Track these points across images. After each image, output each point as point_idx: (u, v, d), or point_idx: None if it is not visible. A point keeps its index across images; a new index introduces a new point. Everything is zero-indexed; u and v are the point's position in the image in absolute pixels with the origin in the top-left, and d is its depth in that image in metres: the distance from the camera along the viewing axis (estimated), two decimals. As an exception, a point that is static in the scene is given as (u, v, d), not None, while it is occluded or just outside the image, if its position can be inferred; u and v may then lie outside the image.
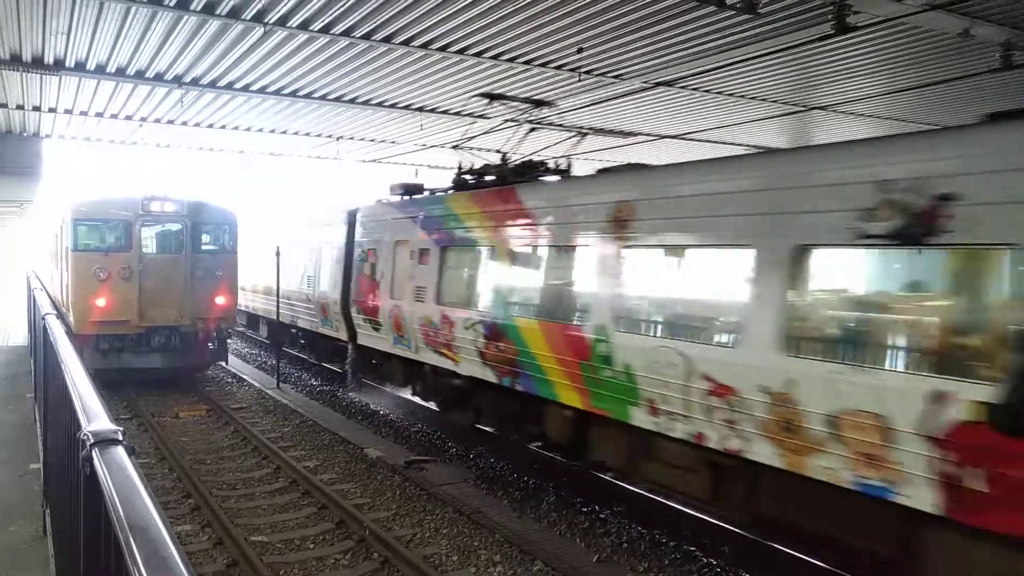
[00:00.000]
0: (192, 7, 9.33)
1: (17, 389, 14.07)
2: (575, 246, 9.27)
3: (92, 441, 2.25)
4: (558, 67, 11.96)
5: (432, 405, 13.34)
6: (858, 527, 6.36)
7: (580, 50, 11.02)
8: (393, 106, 14.84)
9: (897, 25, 9.62)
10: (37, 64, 11.87)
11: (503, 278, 10.51)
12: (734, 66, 11.66)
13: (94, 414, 2.67)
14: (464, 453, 12.25)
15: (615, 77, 12.53)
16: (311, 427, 13.86)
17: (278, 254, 18.07)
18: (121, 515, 1.76)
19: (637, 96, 13.81)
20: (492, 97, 13.83)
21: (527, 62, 11.71)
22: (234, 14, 9.59)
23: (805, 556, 7.69)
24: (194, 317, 16.80)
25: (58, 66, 12.01)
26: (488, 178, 12.35)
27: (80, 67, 12.11)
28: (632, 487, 9.96)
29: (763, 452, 6.76)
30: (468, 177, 12.63)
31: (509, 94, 13.83)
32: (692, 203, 7.57)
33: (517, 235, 10.25)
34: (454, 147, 15.51)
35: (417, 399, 14.11)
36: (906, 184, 5.75)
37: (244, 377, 18.75)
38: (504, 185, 11.24)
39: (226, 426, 14.11)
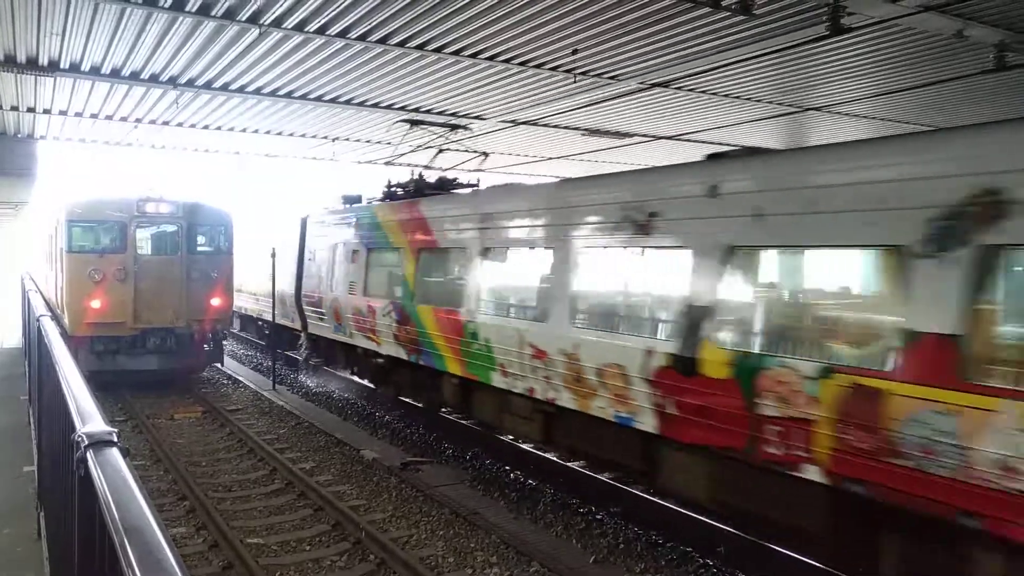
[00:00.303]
0: (187, 8, 9.31)
1: (11, 391, 14.02)
2: (455, 248, 11.77)
3: (86, 443, 2.25)
4: (553, 68, 11.97)
5: (366, 382, 16.07)
6: (622, 449, 8.88)
7: (575, 51, 11.03)
8: (388, 107, 14.83)
9: (891, 26, 9.64)
10: (32, 65, 11.84)
11: (408, 273, 12.82)
12: (729, 67, 11.68)
13: (88, 416, 2.67)
14: (460, 454, 12.25)
15: (610, 78, 12.54)
16: (307, 429, 13.84)
17: (273, 255, 18.06)
18: (115, 517, 1.75)
19: (632, 97, 13.82)
20: (412, 123, 15.87)
21: (522, 64, 11.71)
22: (229, 15, 9.57)
23: (801, 556, 7.70)
24: (189, 319, 16.76)
25: (53, 67, 11.97)
26: (401, 191, 14.74)
27: (75, 68, 12.07)
28: (629, 488, 9.97)
29: (566, 398, 9.23)
30: (397, 190, 14.93)
31: (504, 96, 13.83)
32: (534, 216, 10.10)
33: (418, 238, 12.66)
34: (386, 163, 18.24)
35: (355, 378, 16.63)
36: (635, 205, 8.31)
37: (240, 379, 18.72)
38: (412, 198, 13.71)
39: (222, 428, 14.08)
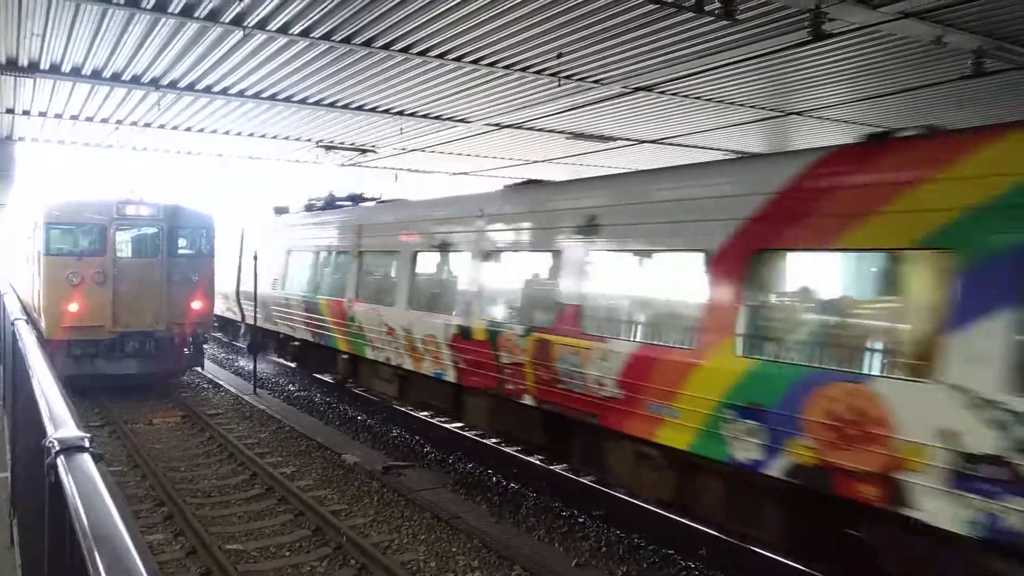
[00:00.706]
0: (170, 10, 9.23)
1: (-13, 396, 13.80)
2: (342, 250, 14.97)
3: (57, 448, 2.21)
4: (538, 72, 11.98)
5: (288, 363, 19.38)
6: (442, 397, 12.04)
7: (559, 55, 11.05)
8: (373, 110, 14.79)
9: (872, 32, 9.74)
10: (11, 66, 11.70)
11: (314, 271, 16.29)
12: (713, 72, 11.75)
13: (60, 421, 2.62)
14: (442, 458, 12.20)
15: (594, 82, 12.57)
16: (288, 433, 13.74)
17: (255, 258, 17.96)
18: (85, 524, 1.72)
19: (617, 101, 13.86)
20: (328, 147, 18.49)
21: (507, 67, 11.71)
22: (213, 17, 9.50)
23: (781, 558, 7.72)
24: (170, 322, 16.60)
25: (32, 68, 11.84)
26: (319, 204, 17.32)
27: (55, 69, 11.94)
28: (611, 491, 9.97)
29: (408, 363, 12.24)
30: (315, 202, 17.51)
31: (489, 99, 13.84)
32: (385, 228, 13.51)
33: (319, 243, 16.07)
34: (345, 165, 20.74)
35: (281, 360, 19.93)
36: (437, 223, 11.64)
37: (220, 383, 18.56)
38: (320, 209, 16.90)
39: (201, 432, 13.95)
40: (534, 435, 10.27)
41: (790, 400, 6.38)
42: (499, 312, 10.80)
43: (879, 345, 6.80)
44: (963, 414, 5.25)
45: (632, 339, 8.48)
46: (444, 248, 11.74)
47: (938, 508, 5.45)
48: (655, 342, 8.25)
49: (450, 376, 11.12)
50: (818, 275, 7.83)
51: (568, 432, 9.49)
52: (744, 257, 6.95)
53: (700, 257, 7.40)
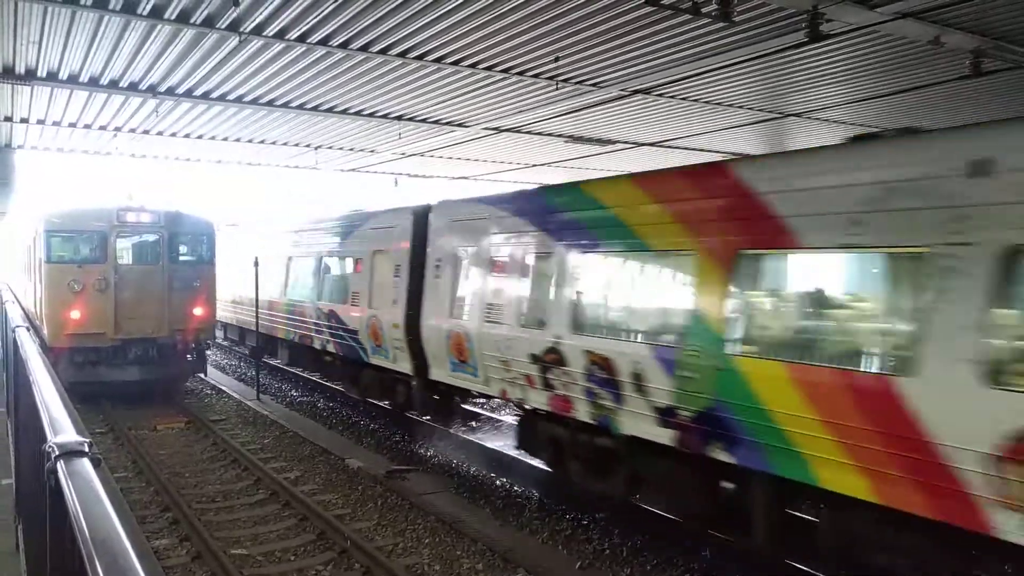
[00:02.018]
0: (166, 16, 9.25)
1: (-10, 404, 13.81)
2: (278, 257, 18.62)
3: (57, 453, 2.21)
4: (535, 76, 12.00)
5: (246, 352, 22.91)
6: (316, 362, 17.25)
7: (557, 59, 11.06)
8: (371, 115, 14.81)
9: (869, 33, 9.75)
10: (8, 74, 11.72)
11: (271, 274, 18.73)
12: (710, 74, 11.76)
13: (61, 426, 2.63)
14: (445, 462, 12.20)
15: (592, 85, 12.59)
16: (292, 438, 13.74)
17: (256, 264, 17.99)
18: (84, 528, 1.72)
19: (614, 104, 13.88)
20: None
21: (505, 71, 11.73)
22: (209, 23, 9.52)
23: (785, 559, 7.71)
24: (172, 328, 16.61)
25: (29, 76, 11.86)
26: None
27: (52, 77, 11.97)
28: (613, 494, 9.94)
29: (318, 344, 16.17)
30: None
31: (487, 103, 13.86)
32: (282, 239, 19.06)
33: (274, 252, 19.10)
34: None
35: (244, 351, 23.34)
36: (300, 236, 18.08)
37: (224, 389, 18.57)
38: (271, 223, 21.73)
39: (205, 438, 13.95)
40: (328, 372, 17.58)
41: None
42: (304, 292, 17.11)
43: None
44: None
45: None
46: (294, 253, 18.24)
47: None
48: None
49: (317, 345, 16.34)
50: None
51: (342, 366, 16.06)
52: None
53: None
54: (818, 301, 7.15)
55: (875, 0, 8.65)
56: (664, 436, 7.68)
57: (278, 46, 10.44)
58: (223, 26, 9.59)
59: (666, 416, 7.62)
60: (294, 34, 9.96)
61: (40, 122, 15.27)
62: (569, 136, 17.11)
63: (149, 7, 8.96)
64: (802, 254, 6.84)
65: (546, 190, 10.44)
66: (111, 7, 8.95)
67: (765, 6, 8.87)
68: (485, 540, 8.63)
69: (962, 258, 5.40)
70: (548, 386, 9.19)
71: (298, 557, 8.49)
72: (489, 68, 11.61)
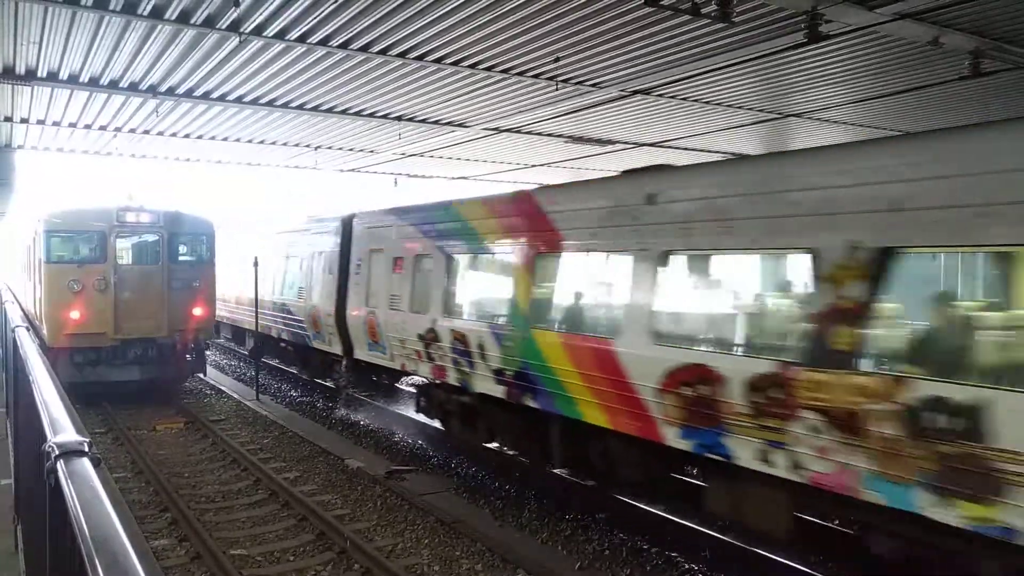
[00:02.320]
0: (166, 16, 9.24)
1: (-11, 404, 13.81)
2: (258, 257, 18.84)
3: (57, 453, 2.21)
4: (535, 76, 12.00)
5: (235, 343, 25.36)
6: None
7: (557, 59, 11.06)
8: (371, 115, 14.81)
9: (869, 34, 9.74)
10: (8, 74, 11.71)
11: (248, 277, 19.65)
12: (709, 74, 11.76)
13: (60, 426, 2.63)
14: (445, 463, 12.21)
15: (592, 85, 12.59)
16: (291, 438, 13.75)
17: (256, 264, 18.00)
18: (84, 527, 1.72)
19: (614, 104, 13.88)
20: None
21: (504, 71, 11.73)
22: (209, 23, 9.51)
23: (784, 559, 7.72)
24: (171, 329, 16.61)
25: (30, 76, 11.85)
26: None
27: (52, 77, 11.96)
28: (614, 494, 9.96)
29: (247, 323, 20.06)
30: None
31: (486, 103, 13.86)
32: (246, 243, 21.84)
33: (246, 254, 20.25)
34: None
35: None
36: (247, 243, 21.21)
37: (223, 389, 18.58)
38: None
39: (204, 438, 13.96)
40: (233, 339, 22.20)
41: None
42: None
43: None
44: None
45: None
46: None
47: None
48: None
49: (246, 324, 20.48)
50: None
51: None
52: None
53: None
54: (576, 288, 9.68)
55: (874, 1, 8.64)
56: (499, 391, 10.17)
57: (278, 46, 10.44)
58: (223, 26, 9.59)
59: (499, 376, 10.12)
60: (294, 34, 9.96)
61: (40, 122, 15.26)
62: (569, 136, 17.11)
63: (149, 7, 8.95)
64: (568, 255, 9.42)
65: (429, 205, 12.77)
66: (112, 7, 8.94)
67: (764, 7, 8.87)
68: (485, 540, 8.64)
69: (641, 265, 7.91)
70: (430, 358, 11.69)
71: (297, 557, 8.49)
72: (489, 68, 11.60)
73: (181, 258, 17.18)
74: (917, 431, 5.47)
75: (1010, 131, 5.61)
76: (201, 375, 18.51)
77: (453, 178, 23.82)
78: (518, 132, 16.35)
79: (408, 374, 13.84)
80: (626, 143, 17.96)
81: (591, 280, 9.72)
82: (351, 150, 18.65)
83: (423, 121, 15.36)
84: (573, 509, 9.80)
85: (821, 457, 6.15)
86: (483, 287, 11.53)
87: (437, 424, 12.82)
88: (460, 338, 10.77)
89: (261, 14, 9.23)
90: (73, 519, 1.85)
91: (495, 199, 11.25)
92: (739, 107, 14.35)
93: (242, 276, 20.66)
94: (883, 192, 5.80)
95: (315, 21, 9.52)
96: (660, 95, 13.23)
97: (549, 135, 16.89)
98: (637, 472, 8.81)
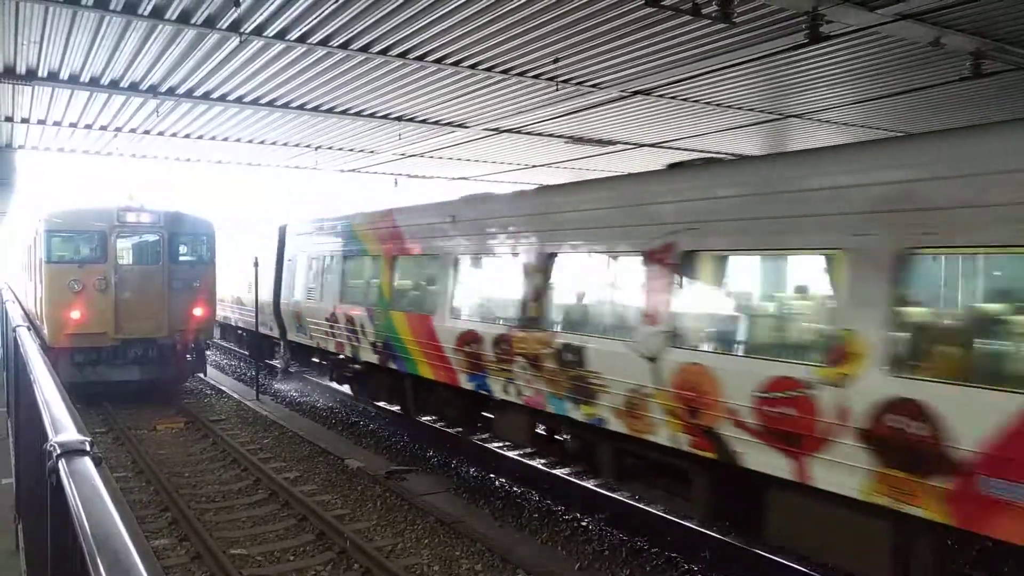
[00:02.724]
0: (167, 16, 9.24)
1: (-10, 403, 13.81)
2: (229, 257, 21.16)
3: (58, 452, 2.21)
4: (535, 77, 12.01)
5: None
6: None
7: (557, 60, 11.06)
8: (371, 116, 14.81)
9: (870, 34, 9.74)
10: (9, 74, 11.72)
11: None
12: (710, 75, 11.76)
13: (61, 425, 2.63)
14: (445, 463, 12.21)
15: (592, 86, 12.59)
16: (291, 438, 13.75)
17: (256, 264, 18.01)
18: (86, 526, 1.73)
19: (615, 105, 13.88)
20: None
21: (504, 71, 11.73)
22: (210, 23, 9.52)
23: (783, 560, 7.72)
24: (172, 329, 16.62)
25: (30, 76, 11.86)
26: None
27: (53, 77, 11.96)
28: (614, 495, 9.96)
29: (233, 322, 23.01)
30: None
31: (487, 103, 13.86)
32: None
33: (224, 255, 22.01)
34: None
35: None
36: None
37: (223, 389, 18.58)
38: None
39: (205, 438, 13.96)
40: None
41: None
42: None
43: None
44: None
45: None
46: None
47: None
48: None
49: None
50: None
51: None
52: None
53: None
54: (414, 280, 13.08)
55: (876, 1, 8.64)
56: (375, 359, 13.28)
57: (279, 47, 10.44)
58: (224, 26, 9.59)
59: (374, 347, 13.24)
60: (295, 35, 9.96)
61: (41, 122, 15.26)
62: (569, 137, 17.11)
63: (150, 7, 8.96)
64: (412, 257, 12.64)
65: (333, 217, 15.86)
66: (112, 7, 8.95)
67: (765, 7, 8.87)
68: (484, 540, 8.64)
69: (445, 263, 11.26)
70: (333, 336, 14.97)
71: (297, 557, 8.49)
72: (489, 69, 11.61)
73: (181, 258, 17.18)
74: (561, 364, 8.69)
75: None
76: (201, 375, 18.51)
77: (453, 179, 23.83)
78: (518, 133, 16.35)
79: (323, 351, 16.33)
80: (626, 144, 17.96)
81: (422, 275, 12.80)
82: (351, 150, 18.66)
83: (423, 121, 15.36)
84: (573, 509, 9.80)
85: (528, 385, 9.42)
86: (364, 280, 14.57)
87: (346, 389, 16.19)
88: (350, 320, 14.06)
89: (261, 14, 9.23)
90: (74, 518, 1.85)
91: (374, 214, 14.00)
92: (740, 108, 14.35)
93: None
94: (549, 217, 9.44)
95: (315, 21, 9.52)
96: (661, 96, 13.23)
97: (549, 136, 16.89)
98: (458, 413, 11.97)
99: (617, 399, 7.94)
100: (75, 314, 15.80)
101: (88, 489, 1.93)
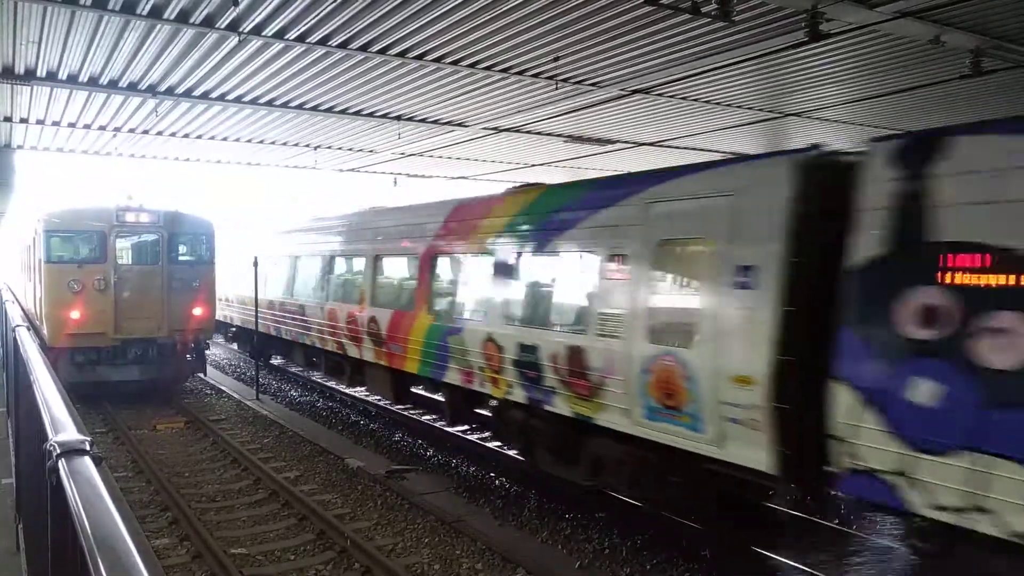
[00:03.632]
0: (165, 16, 9.24)
1: (-10, 404, 13.80)
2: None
3: (58, 451, 2.21)
4: (535, 75, 12.00)
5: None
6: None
7: (556, 58, 11.06)
8: (371, 115, 14.80)
9: (869, 32, 9.74)
10: (7, 74, 11.71)
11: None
12: (709, 73, 11.76)
13: (61, 425, 2.63)
14: (445, 462, 12.20)
15: (592, 85, 12.59)
16: (291, 438, 13.75)
17: (256, 264, 18.01)
18: (86, 525, 1.72)
19: (614, 103, 13.88)
20: None
21: (504, 70, 11.73)
22: (208, 23, 9.51)
23: (784, 560, 7.72)
24: (171, 329, 16.61)
25: (29, 76, 11.85)
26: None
27: (52, 77, 11.96)
28: (614, 494, 9.96)
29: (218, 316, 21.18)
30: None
31: (486, 103, 13.86)
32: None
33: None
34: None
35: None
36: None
37: (223, 389, 18.57)
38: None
39: (205, 438, 13.95)
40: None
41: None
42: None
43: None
44: None
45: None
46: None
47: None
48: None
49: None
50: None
51: None
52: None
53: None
54: (326, 276, 15.68)
55: (875, -1, 8.65)
56: (331, 345, 15.10)
57: (277, 46, 10.43)
58: (222, 26, 9.59)
59: (323, 334, 15.37)
60: (293, 34, 9.96)
61: (40, 122, 15.26)
62: (569, 136, 17.11)
63: (148, 7, 8.95)
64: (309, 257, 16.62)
65: (290, 222, 19.05)
66: (110, 7, 8.94)
67: (765, 5, 8.87)
68: (485, 539, 8.64)
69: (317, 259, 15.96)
70: (290, 326, 17.42)
71: (298, 557, 8.49)
72: (488, 68, 11.60)
73: (181, 258, 17.17)
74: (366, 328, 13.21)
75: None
76: (201, 375, 18.50)
77: (453, 178, 23.83)
78: (518, 132, 16.35)
79: (284, 339, 18.14)
80: (626, 142, 17.96)
81: (327, 271, 15.71)
82: (351, 150, 18.66)
83: (423, 121, 15.36)
84: (573, 509, 9.80)
85: (342, 338, 14.35)
86: (309, 276, 16.80)
87: (318, 374, 18.54)
88: (297, 311, 16.79)
89: (260, 13, 9.23)
90: (75, 518, 1.84)
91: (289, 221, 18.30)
92: (739, 106, 14.35)
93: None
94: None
95: (314, 20, 9.51)
96: (660, 94, 13.23)
97: (549, 135, 16.89)
98: (347, 368, 15.20)
99: (341, 335, 14.25)
100: (74, 314, 15.79)
101: (88, 489, 1.93)
